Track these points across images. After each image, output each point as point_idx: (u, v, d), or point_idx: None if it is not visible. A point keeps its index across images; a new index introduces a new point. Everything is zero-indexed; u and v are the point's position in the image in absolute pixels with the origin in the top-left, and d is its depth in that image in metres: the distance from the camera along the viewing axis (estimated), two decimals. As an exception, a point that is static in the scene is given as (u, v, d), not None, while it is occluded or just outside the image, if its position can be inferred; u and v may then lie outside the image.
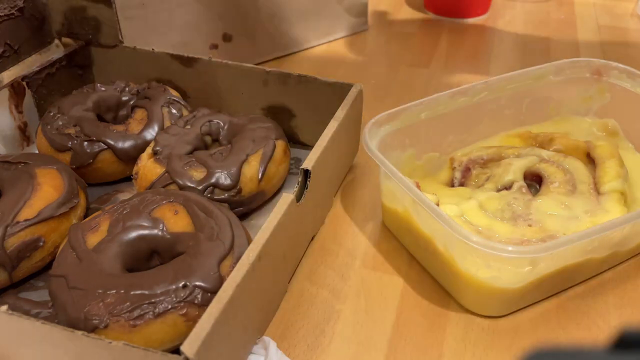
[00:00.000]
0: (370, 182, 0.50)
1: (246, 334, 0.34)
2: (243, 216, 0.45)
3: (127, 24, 0.56)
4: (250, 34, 0.65)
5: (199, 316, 0.31)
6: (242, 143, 0.45)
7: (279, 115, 0.52)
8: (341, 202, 0.48)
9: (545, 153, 0.46)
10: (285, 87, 0.51)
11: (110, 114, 0.52)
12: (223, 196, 0.42)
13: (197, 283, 0.33)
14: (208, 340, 0.28)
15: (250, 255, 0.32)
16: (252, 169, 0.44)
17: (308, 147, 0.53)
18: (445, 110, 0.46)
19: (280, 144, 0.46)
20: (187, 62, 0.53)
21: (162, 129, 0.48)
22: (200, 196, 0.40)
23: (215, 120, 0.48)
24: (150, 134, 0.48)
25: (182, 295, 0.33)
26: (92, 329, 0.32)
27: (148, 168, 0.44)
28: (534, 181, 0.45)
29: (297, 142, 0.53)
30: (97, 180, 0.48)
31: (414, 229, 0.40)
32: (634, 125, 0.50)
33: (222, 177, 0.42)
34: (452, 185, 0.46)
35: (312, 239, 0.44)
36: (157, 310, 0.32)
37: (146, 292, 0.33)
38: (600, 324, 0.37)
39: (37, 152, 0.48)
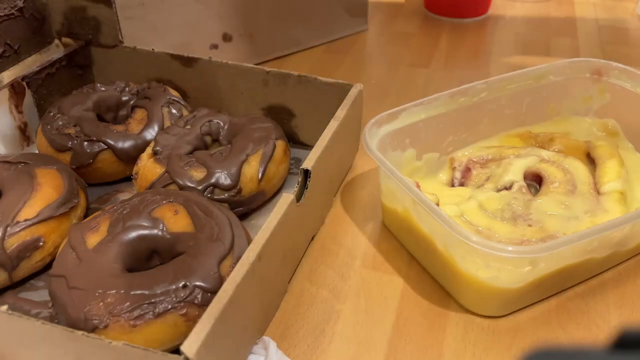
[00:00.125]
0: (370, 182, 0.50)
1: (246, 334, 0.34)
2: (243, 216, 0.45)
3: (127, 24, 0.56)
4: (250, 34, 0.65)
5: (199, 316, 0.31)
6: (242, 143, 0.45)
7: (279, 115, 0.52)
8: (341, 202, 0.48)
9: (545, 153, 0.46)
10: (285, 87, 0.51)
11: (110, 114, 0.52)
12: (223, 196, 0.42)
13: (197, 283, 0.33)
14: (208, 340, 0.28)
15: (250, 255, 0.32)
16: (252, 169, 0.44)
17: (308, 147, 0.53)
18: (445, 110, 0.46)
19: (280, 144, 0.46)
20: (187, 62, 0.53)
21: (162, 129, 0.48)
22: (200, 196, 0.40)
23: (215, 120, 0.48)
24: (150, 134, 0.48)
25: (182, 295, 0.33)
26: (92, 329, 0.32)
27: (148, 168, 0.44)
28: (534, 181, 0.45)
29: (297, 142, 0.53)
30: (97, 180, 0.48)
31: (414, 229, 0.40)
32: (634, 125, 0.50)
33: (222, 177, 0.42)
34: (452, 185, 0.46)
35: (312, 239, 0.44)
36: (157, 310, 0.32)
37: (146, 292, 0.33)
38: (600, 324, 0.37)
39: (37, 152, 0.48)
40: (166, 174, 0.43)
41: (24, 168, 0.42)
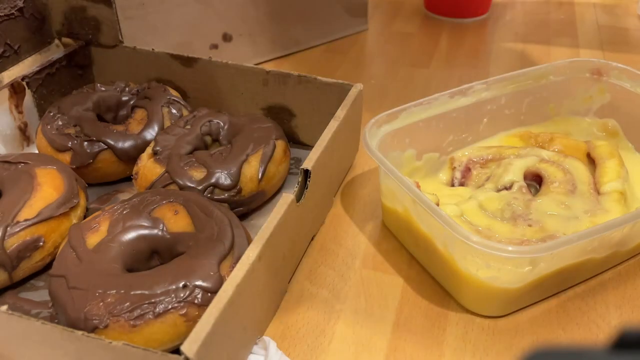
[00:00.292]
0: (370, 182, 0.50)
1: (246, 334, 0.34)
2: (243, 216, 0.45)
3: (127, 24, 0.56)
4: (250, 34, 0.65)
5: (199, 316, 0.31)
6: (242, 143, 0.45)
7: (279, 115, 0.52)
8: (341, 202, 0.48)
9: (545, 153, 0.46)
10: (285, 87, 0.51)
11: (110, 114, 0.52)
12: (223, 196, 0.42)
13: (197, 283, 0.33)
14: (208, 340, 0.28)
15: (250, 255, 0.32)
16: (252, 169, 0.44)
17: (308, 147, 0.53)
18: (445, 110, 0.46)
19: (280, 144, 0.46)
20: (187, 62, 0.53)
21: (162, 129, 0.48)
22: (200, 196, 0.40)
23: (215, 120, 0.48)
24: (150, 134, 0.48)
25: (182, 295, 0.33)
26: (92, 329, 0.32)
27: (148, 168, 0.44)
28: (534, 181, 0.45)
29: (297, 142, 0.53)
30: (97, 180, 0.48)
31: (414, 229, 0.40)
32: (634, 125, 0.50)
33: (222, 177, 0.42)
34: (452, 185, 0.46)
35: (312, 239, 0.44)
36: (157, 310, 0.32)
37: (146, 292, 0.33)
38: (600, 324, 0.37)
39: (37, 152, 0.48)
40: (166, 174, 0.43)
41: (24, 168, 0.42)
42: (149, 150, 0.45)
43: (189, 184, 0.42)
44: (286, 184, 0.48)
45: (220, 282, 0.34)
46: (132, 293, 0.33)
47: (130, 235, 0.37)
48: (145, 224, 0.38)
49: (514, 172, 0.44)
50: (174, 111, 0.50)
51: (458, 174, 0.46)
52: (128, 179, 0.48)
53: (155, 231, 0.37)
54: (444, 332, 0.37)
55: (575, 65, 0.51)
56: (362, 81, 0.50)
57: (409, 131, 0.45)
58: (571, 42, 0.74)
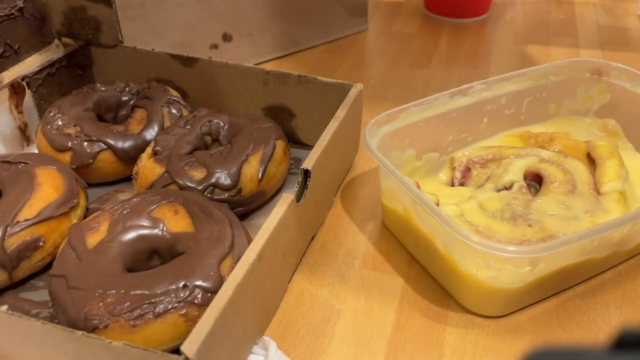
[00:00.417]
0: (370, 182, 0.50)
1: (246, 334, 0.34)
2: (243, 216, 0.45)
3: (127, 24, 0.56)
4: (250, 34, 0.65)
5: (199, 316, 0.31)
6: (242, 143, 0.45)
7: (279, 115, 0.52)
8: (341, 202, 0.48)
9: (545, 153, 0.46)
10: (285, 87, 0.51)
11: (110, 114, 0.52)
12: (223, 196, 0.42)
13: (197, 283, 0.33)
14: (208, 340, 0.28)
15: (250, 255, 0.32)
16: (252, 169, 0.44)
17: (308, 147, 0.53)
18: (445, 110, 0.46)
19: (280, 144, 0.46)
20: (187, 62, 0.53)
21: (162, 129, 0.48)
22: (200, 196, 0.40)
23: (215, 120, 0.48)
24: (150, 134, 0.48)
25: (182, 295, 0.33)
26: (92, 329, 0.32)
27: (148, 168, 0.44)
28: (534, 181, 0.45)
29: (297, 142, 0.53)
30: (97, 180, 0.48)
31: (414, 229, 0.40)
32: (634, 125, 0.50)
33: (222, 177, 0.42)
34: (452, 185, 0.46)
35: (312, 239, 0.44)
36: (157, 310, 0.32)
37: (146, 292, 0.33)
38: (600, 324, 0.37)
39: (37, 152, 0.48)
40: (166, 174, 0.43)
41: (24, 168, 0.42)
42: (149, 150, 0.45)
43: (189, 184, 0.42)
44: (286, 184, 0.48)
45: (220, 282, 0.34)
46: (132, 293, 0.33)
47: (130, 235, 0.37)
48: (145, 224, 0.38)
49: (514, 172, 0.44)
50: (174, 111, 0.50)
51: (458, 174, 0.46)
52: (128, 179, 0.48)
53: (155, 231, 0.37)
54: (444, 332, 0.37)
55: (575, 65, 0.51)
56: (362, 81, 0.50)
57: (409, 131, 0.45)
58: (571, 42, 0.74)
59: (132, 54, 0.54)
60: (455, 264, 0.36)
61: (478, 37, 0.75)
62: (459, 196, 0.43)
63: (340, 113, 0.44)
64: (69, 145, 0.46)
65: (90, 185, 0.47)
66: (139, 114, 0.50)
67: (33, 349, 0.31)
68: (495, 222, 0.40)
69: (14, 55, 0.50)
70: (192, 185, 0.42)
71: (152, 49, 0.54)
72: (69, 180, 0.42)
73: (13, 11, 0.49)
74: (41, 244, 0.39)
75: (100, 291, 0.33)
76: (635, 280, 0.40)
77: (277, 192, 0.47)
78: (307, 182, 0.39)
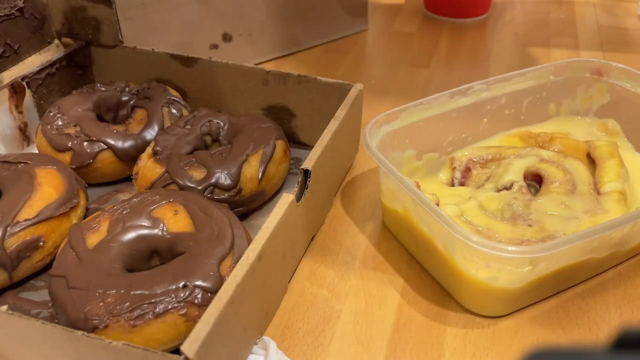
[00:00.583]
0: (370, 182, 0.50)
1: (246, 334, 0.34)
2: (243, 216, 0.45)
3: (127, 24, 0.56)
4: (250, 34, 0.65)
5: (199, 316, 0.31)
6: (242, 143, 0.45)
7: (279, 115, 0.52)
8: (341, 202, 0.48)
9: (545, 153, 0.46)
10: (285, 87, 0.51)
11: (110, 114, 0.52)
12: (223, 196, 0.42)
13: (197, 283, 0.33)
14: (208, 340, 0.28)
15: (250, 255, 0.32)
16: (252, 169, 0.44)
17: (308, 147, 0.53)
18: (445, 110, 0.46)
19: (280, 144, 0.46)
20: (187, 62, 0.53)
21: (162, 129, 0.48)
22: (200, 196, 0.40)
23: (215, 120, 0.48)
24: (150, 134, 0.48)
25: (182, 295, 0.33)
26: (92, 329, 0.32)
27: (148, 168, 0.44)
28: (534, 181, 0.45)
29: (297, 142, 0.53)
30: (97, 180, 0.48)
31: (414, 229, 0.40)
32: (634, 125, 0.50)
33: (222, 177, 0.42)
34: (452, 185, 0.46)
35: (312, 239, 0.44)
36: (157, 310, 0.32)
37: (146, 292, 0.33)
38: (600, 324, 0.37)
39: (37, 152, 0.48)
40: (166, 174, 0.43)
41: (24, 168, 0.42)
42: (149, 150, 0.45)
43: (189, 184, 0.42)
44: (286, 184, 0.48)
45: (220, 282, 0.34)
46: (132, 293, 0.33)
47: (130, 235, 0.37)
48: (145, 224, 0.38)
49: (514, 172, 0.44)
50: (174, 111, 0.50)
51: (458, 174, 0.46)
52: (128, 179, 0.48)
53: (155, 231, 0.37)
54: (444, 332, 0.37)
55: (575, 65, 0.51)
56: (362, 81, 0.50)
57: (409, 131, 0.45)
58: (571, 42, 0.74)
59: (132, 54, 0.54)
60: (455, 264, 0.36)
61: (478, 37, 0.75)
62: (459, 196, 0.43)
63: (340, 113, 0.44)
64: (69, 145, 0.46)
65: (90, 185, 0.47)
66: (139, 114, 0.50)
67: (33, 349, 0.31)
68: (495, 222, 0.40)
69: (14, 55, 0.50)
70: (192, 185, 0.42)
71: (152, 49, 0.54)
72: (69, 180, 0.42)
73: (13, 11, 0.49)
74: (41, 244, 0.39)
75: (100, 291, 0.33)
76: (635, 280, 0.40)
77: (277, 192, 0.47)
78: (307, 182, 0.39)
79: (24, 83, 0.51)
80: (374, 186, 0.49)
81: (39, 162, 0.43)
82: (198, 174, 0.43)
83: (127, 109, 0.52)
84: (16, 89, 0.51)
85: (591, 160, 0.46)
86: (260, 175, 0.44)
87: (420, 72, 0.67)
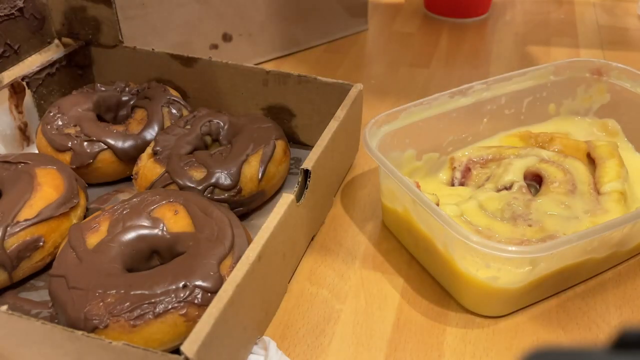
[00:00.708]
0: (370, 182, 0.50)
1: (246, 334, 0.34)
2: (243, 216, 0.45)
3: (127, 24, 0.56)
4: (250, 34, 0.65)
5: (199, 316, 0.31)
6: (242, 143, 0.45)
7: (279, 115, 0.52)
8: (341, 202, 0.48)
9: (545, 153, 0.46)
10: (285, 87, 0.51)
11: (110, 114, 0.52)
12: (223, 196, 0.42)
13: (197, 283, 0.33)
14: (208, 340, 0.28)
15: (250, 255, 0.32)
16: (252, 169, 0.44)
17: (308, 147, 0.53)
18: (445, 110, 0.46)
19: (280, 144, 0.46)
20: (187, 62, 0.53)
21: (162, 129, 0.48)
22: (200, 196, 0.40)
23: (215, 120, 0.48)
24: (150, 134, 0.48)
25: (182, 295, 0.33)
26: (92, 329, 0.32)
27: (148, 168, 0.44)
28: (534, 181, 0.45)
29: (297, 142, 0.53)
30: (97, 180, 0.48)
31: (414, 229, 0.40)
32: (634, 125, 0.50)
33: (222, 177, 0.42)
34: (452, 185, 0.46)
35: (312, 239, 0.44)
36: (157, 310, 0.32)
37: (146, 292, 0.33)
38: (600, 324, 0.37)
39: (37, 152, 0.48)
40: (166, 174, 0.43)
41: (24, 168, 0.42)
42: (149, 150, 0.45)
43: (189, 184, 0.42)
44: (286, 184, 0.48)
45: (220, 282, 0.34)
46: (132, 293, 0.33)
47: (130, 235, 0.37)
48: (145, 224, 0.38)
49: (514, 172, 0.44)
50: (174, 111, 0.50)
51: (458, 174, 0.46)
52: (128, 179, 0.48)
53: (155, 231, 0.37)
54: (444, 332, 0.37)
55: (575, 65, 0.51)
56: (362, 81, 0.50)
57: (409, 131, 0.45)
58: (571, 42, 0.74)
59: (132, 54, 0.54)
60: (455, 264, 0.36)
61: (478, 37, 0.75)
62: (459, 196, 0.43)
63: (340, 113, 0.44)
64: (69, 145, 0.46)
65: (90, 185, 0.47)
66: (139, 114, 0.50)
67: (33, 349, 0.31)
68: (495, 222, 0.40)
69: (14, 55, 0.50)
70: (192, 185, 0.42)
71: (152, 49, 0.54)
72: (69, 180, 0.42)
73: (13, 11, 0.49)
74: (41, 244, 0.39)
75: (100, 291, 0.33)
76: (635, 280, 0.40)
77: (277, 192, 0.47)
78: (307, 182, 0.39)
79: (24, 83, 0.51)
80: (374, 186, 0.49)
81: (39, 162, 0.43)
82: (198, 174, 0.43)
83: (127, 109, 0.52)
84: (16, 89, 0.51)
85: (591, 160, 0.46)
86: (260, 175, 0.44)
87: (420, 72, 0.67)
